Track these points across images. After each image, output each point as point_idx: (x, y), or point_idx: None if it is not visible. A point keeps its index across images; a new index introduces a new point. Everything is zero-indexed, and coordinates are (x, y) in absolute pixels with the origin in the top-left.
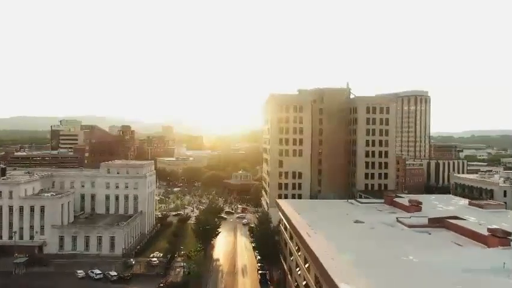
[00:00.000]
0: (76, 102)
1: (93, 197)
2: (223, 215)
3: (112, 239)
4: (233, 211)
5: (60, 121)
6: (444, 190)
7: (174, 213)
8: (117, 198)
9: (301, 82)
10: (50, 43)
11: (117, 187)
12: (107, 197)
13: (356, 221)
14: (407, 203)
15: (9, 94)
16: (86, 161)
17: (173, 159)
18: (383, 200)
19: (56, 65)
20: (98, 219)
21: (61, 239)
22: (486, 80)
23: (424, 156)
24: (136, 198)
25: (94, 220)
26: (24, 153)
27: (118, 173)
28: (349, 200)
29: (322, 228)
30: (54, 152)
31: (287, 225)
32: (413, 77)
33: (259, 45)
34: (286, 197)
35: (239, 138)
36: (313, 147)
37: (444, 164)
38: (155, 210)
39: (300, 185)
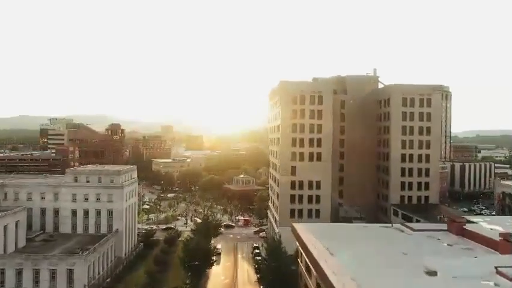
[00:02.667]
0: (78, 102)
1: (56, 212)
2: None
3: (71, 272)
4: (233, 224)
5: (50, 119)
6: (470, 197)
7: (164, 226)
8: (86, 213)
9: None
10: (53, 43)
11: (86, 199)
12: (74, 213)
13: (427, 271)
14: (494, 237)
15: (13, 94)
16: (72, 163)
17: (169, 160)
18: (441, 225)
19: (58, 65)
20: (60, 242)
21: (2, 273)
22: (483, 79)
23: (445, 158)
24: (110, 213)
25: (55, 243)
26: (0, 155)
27: (87, 181)
28: (394, 225)
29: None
30: (37, 153)
31: (313, 270)
32: (413, 75)
33: (261, 42)
34: (300, 213)
35: (240, 138)
36: (334, 149)
37: (470, 166)
38: (141, 223)
39: (318, 197)
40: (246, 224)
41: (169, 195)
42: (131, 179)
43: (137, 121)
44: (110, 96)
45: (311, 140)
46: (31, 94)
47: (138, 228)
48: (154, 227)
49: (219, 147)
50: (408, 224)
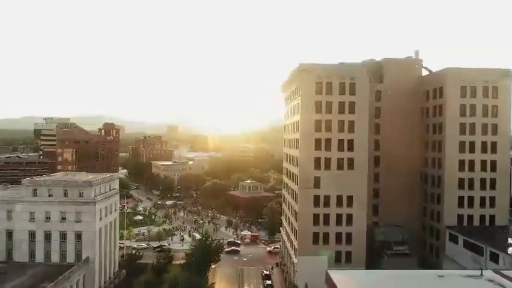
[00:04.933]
0: (83, 103)
1: (10, 234)
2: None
3: None
4: (239, 241)
5: (45, 119)
6: None
7: (157, 243)
8: (48, 237)
9: None
10: (57, 44)
11: (48, 219)
12: (32, 236)
13: None
14: None
15: (18, 95)
16: (60, 167)
17: (170, 163)
18: None
19: (64, 66)
20: (10, 276)
21: None
22: None
23: None
24: (79, 237)
25: (3, 278)
26: None
27: (50, 195)
28: (484, 273)
29: None
30: (24, 155)
31: None
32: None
33: (264, 38)
34: (326, 237)
35: (245, 138)
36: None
37: None
38: (130, 239)
39: (349, 217)
40: (254, 240)
41: (167, 202)
42: (110, 190)
43: (142, 121)
44: (115, 97)
45: (341, 142)
46: (36, 95)
47: (123, 248)
48: (144, 244)
49: (223, 148)
50: (506, 273)
